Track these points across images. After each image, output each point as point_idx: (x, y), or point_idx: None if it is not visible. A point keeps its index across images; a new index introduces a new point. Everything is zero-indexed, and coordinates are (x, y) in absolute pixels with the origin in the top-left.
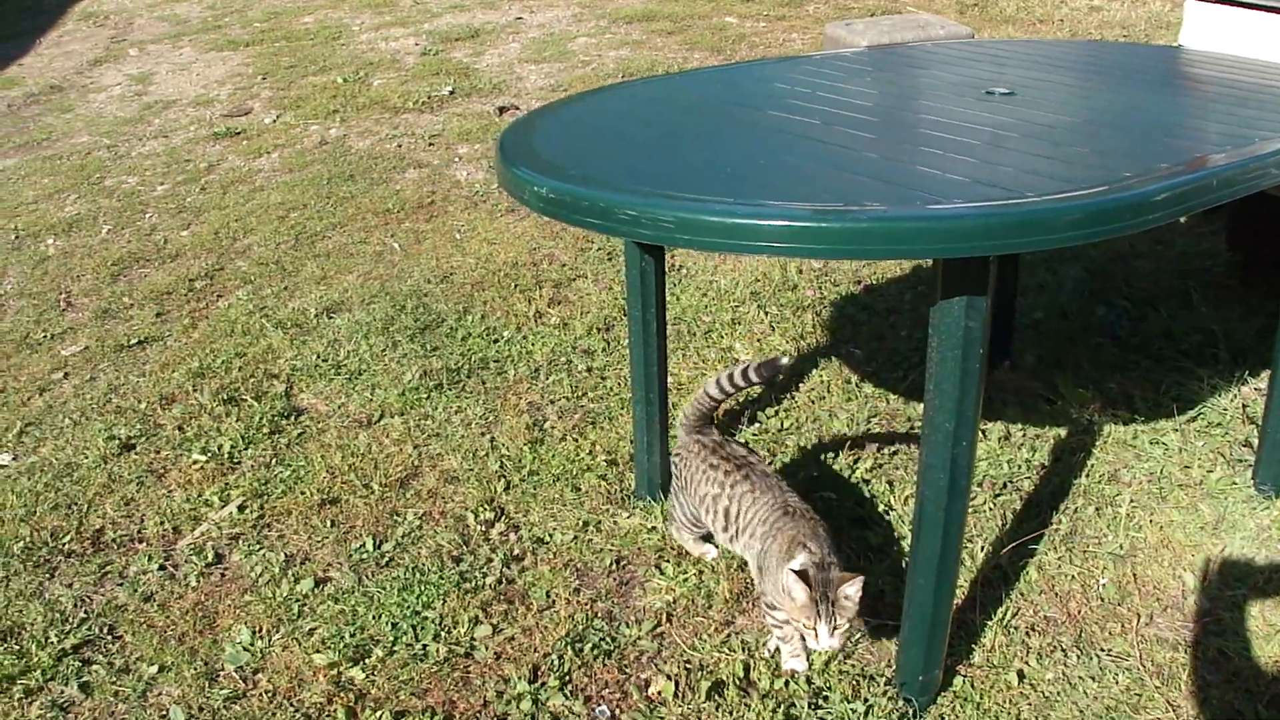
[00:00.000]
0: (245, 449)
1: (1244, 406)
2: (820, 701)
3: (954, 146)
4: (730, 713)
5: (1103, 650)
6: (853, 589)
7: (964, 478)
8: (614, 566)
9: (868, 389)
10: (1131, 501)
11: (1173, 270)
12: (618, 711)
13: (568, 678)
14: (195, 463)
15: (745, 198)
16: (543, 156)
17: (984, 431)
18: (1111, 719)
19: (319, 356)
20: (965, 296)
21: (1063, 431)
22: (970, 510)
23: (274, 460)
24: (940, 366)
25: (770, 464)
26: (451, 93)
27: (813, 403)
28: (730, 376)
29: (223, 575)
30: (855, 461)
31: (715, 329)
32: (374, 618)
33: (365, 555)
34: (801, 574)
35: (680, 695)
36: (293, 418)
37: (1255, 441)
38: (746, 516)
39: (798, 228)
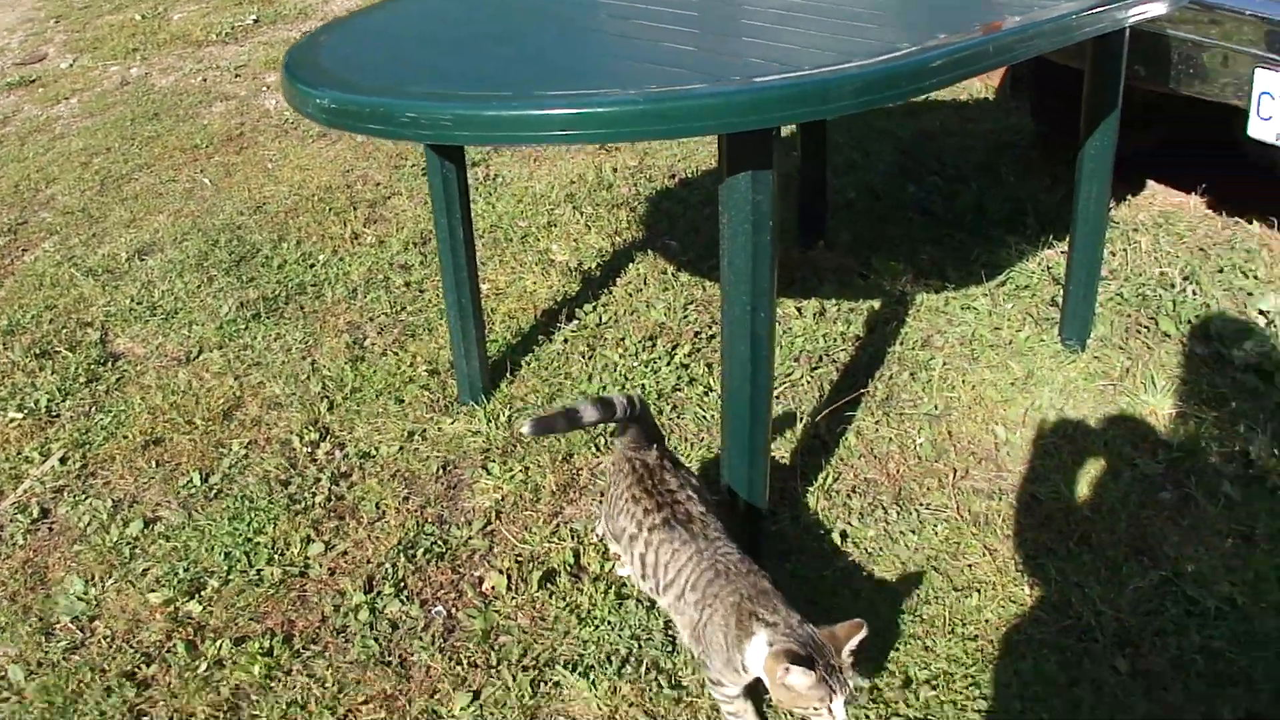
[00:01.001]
0: (63, 401)
1: (1049, 268)
2: None
3: (741, 30)
4: (563, 598)
5: (921, 505)
6: (856, 640)
7: (765, 349)
8: (441, 472)
9: (684, 278)
10: (944, 364)
11: (982, 147)
12: (454, 610)
13: (403, 584)
14: (12, 421)
15: (525, 91)
16: (328, 69)
17: (799, 309)
18: (932, 568)
19: (133, 300)
20: (750, 171)
21: (876, 304)
22: (789, 384)
23: (93, 408)
24: (732, 243)
25: (698, 499)
26: (256, 21)
27: (630, 295)
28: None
29: (50, 529)
30: (673, 349)
31: (532, 233)
32: (206, 550)
33: (193, 490)
34: (796, 659)
35: (513, 588)
36: (109, 364)
37: (1061, 300)
38: (669, 574)
39: (573, 114)
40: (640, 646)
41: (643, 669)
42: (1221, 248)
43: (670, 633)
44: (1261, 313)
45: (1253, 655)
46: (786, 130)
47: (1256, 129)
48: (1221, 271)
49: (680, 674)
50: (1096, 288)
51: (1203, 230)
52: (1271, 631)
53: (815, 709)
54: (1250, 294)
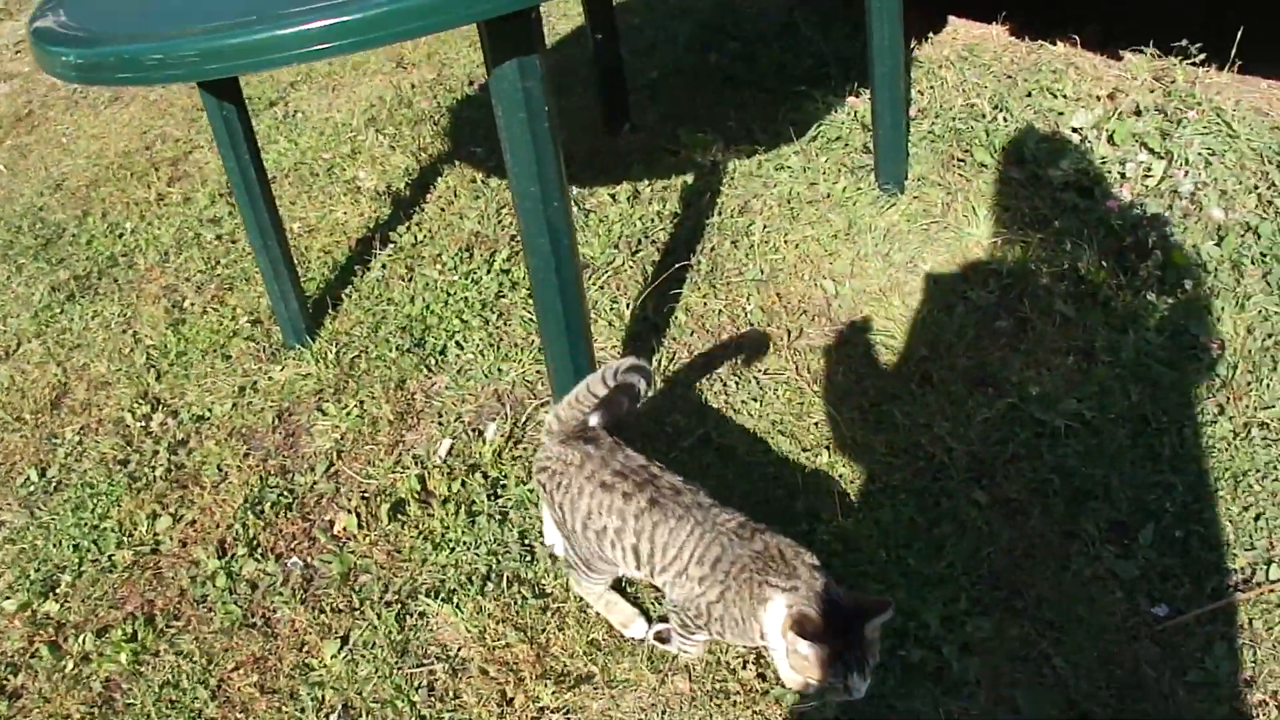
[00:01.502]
0: None
1: (858, 116)
2: (498, 491)
3: None
4: (416, 527)
5: (760, 372)
6: (881, 619)
7: (565, 236)
8: (277, 421)
9: (494, 183)
10: (765, 227)
11: (781, 6)
12: (310, 558)
13: (255, 542)
14: None
15: (270, 12)
16: (73, 25)
17: (613, 195)
18: (779, 433)
19: None
20: (516, 59)
21: (690, 178)
22: (612, 272)
23: None
24: (510, 133)
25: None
26: None
27: (442, 210)
28: (615, 371)
29: None
30: (492, 255)
31: (337, 163)
32: (55, 546)
33: (32, 488)
34: (807, 627)
35: (365, 525)
36: None
37: (872, 146)
38: (668, 555)
39: (325, 27)
40: (499, 561)
41: (504, 584)
42: (1028, 72)
43: (527, 542)
44: (1075, 130)
45: (1107, 468)
46: (578, 20)
47: None
48: (1030, 95)
49: (543, 581)
50: (905, 129)
51: (1008, 57)
52: (1122, 441)
53: (832, 683)
54: (1061, 113)
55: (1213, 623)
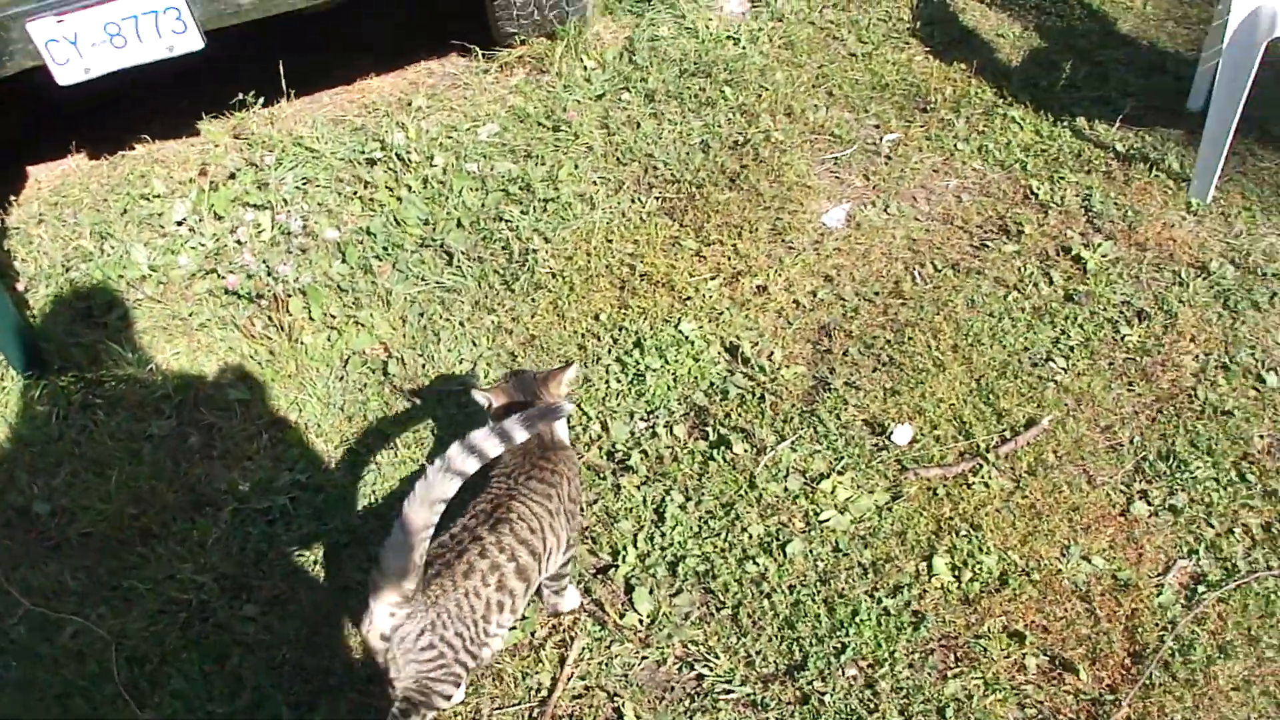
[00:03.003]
0: None
1: None
2: None
3: None
4: None
5: None
6: (573, 371)
7: None
8: None
9: None
10: None
11: None
12: None
13: None
14: None
15: None
16: None
17: None
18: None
19: None
20: None
21: None
22: None
23: None
24: None
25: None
26: None
27: None
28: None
29: None
30: None
31: None
32: None
33: None
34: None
35: None
36: None
37: None
38: (547, 542)
39: None
40: None
41: None
42: (119, 188)
43: None
44: (179, 223)
45: (347, 514)
46: None
47: (64, 77)
48: (127, 210)
49: None
50: (18, 308)
51: (95, 183)
52: (346, 486)
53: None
54: (162, 214)
55: None
